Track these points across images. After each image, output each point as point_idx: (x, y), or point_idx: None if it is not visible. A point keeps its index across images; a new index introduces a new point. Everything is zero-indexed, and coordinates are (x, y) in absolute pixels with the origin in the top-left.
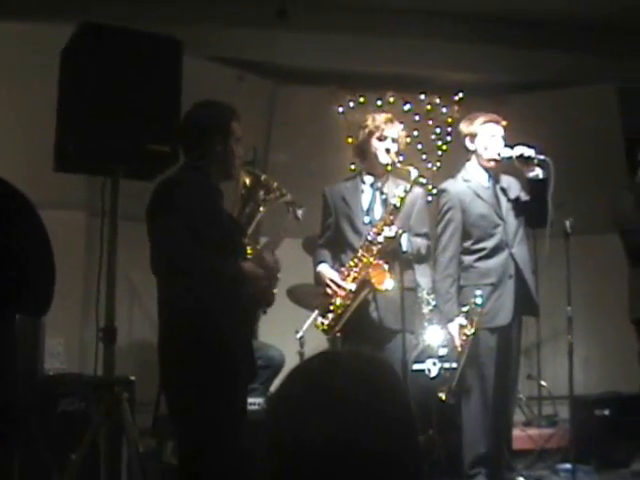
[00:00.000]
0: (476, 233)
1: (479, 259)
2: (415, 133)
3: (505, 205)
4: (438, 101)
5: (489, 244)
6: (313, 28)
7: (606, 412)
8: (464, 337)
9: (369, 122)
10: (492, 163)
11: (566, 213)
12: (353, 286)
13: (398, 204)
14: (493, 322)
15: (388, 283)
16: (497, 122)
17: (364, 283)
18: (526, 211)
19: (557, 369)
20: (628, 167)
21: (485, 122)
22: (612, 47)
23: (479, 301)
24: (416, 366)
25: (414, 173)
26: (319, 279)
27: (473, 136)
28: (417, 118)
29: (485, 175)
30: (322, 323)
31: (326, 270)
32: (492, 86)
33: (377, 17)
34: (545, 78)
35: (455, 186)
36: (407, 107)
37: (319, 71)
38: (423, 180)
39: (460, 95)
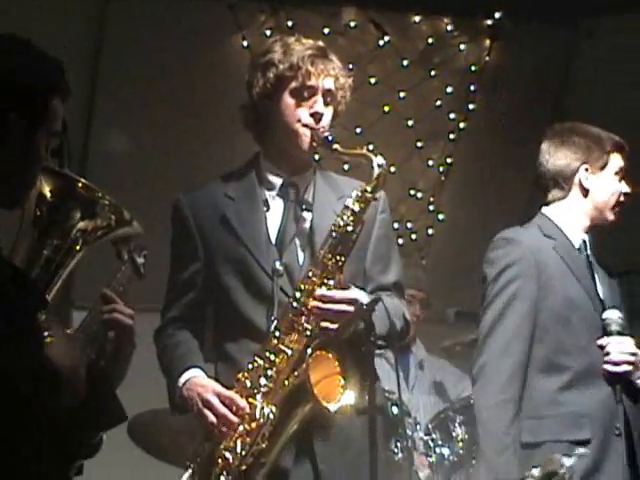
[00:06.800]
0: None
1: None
2: (401, 95)
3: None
4: (450, 28)
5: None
6: None
7: None
8: None
9: (275, 56)
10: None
11: None
12: (271, 409)
13: (350, 227)
14: None
15: (343, 397)
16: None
17: (296, 400)
18: None
19: None
20: None
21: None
22: None
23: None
24: None
25: (378, 163)
26: (187, 400)
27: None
28: (405, 63)
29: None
30: None
31: (202, 382)
32: None
33: None
34: None
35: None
36: (386, 40)
37: None
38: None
39: (497, 16)
